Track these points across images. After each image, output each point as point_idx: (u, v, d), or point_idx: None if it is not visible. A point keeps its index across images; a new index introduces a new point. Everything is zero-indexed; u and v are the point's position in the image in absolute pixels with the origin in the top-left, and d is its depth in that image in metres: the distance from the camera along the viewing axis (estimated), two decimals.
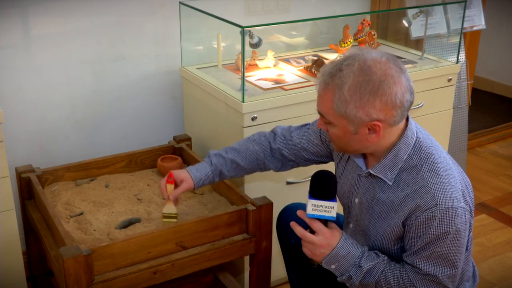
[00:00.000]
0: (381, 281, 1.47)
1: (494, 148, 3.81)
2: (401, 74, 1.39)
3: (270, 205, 1.84)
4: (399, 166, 1.47)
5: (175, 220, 1.81)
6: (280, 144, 1.80)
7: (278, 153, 1.81)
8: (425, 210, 1.40)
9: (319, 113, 1.49)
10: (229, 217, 1.81)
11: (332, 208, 1.44)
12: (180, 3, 2.39)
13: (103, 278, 1.62)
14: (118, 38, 2.39)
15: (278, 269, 2.21)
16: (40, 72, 2.28)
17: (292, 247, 1.85)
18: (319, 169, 1.49)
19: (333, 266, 1.48)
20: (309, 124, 1.81)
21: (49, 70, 2.29)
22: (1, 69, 2.20)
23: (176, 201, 1.80)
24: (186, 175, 1.78)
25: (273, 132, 1.84)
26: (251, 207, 1.82)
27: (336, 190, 1.47)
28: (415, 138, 1.48)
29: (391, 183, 1.48)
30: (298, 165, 1.84)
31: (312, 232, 1.48)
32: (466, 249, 1.53)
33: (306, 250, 1.50)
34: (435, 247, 1.41)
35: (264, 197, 1.87)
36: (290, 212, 1.84)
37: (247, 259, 2.02)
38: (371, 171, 1.50)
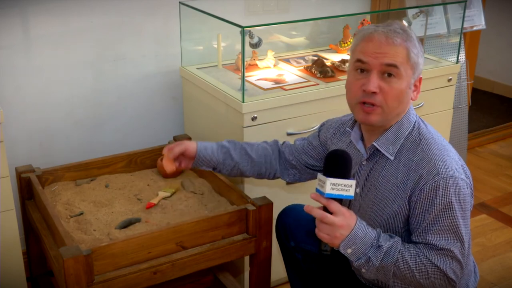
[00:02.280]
0: (399, 262, 1.43)
1: (494, 148, 3.81)
2: None
3: (270, 205, 1.84)
4: (401, 142, 1.52)
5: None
6: (286, 149, 1.86)
7: (283, 156, 1.86)
8: (428, 180, 1.43)
9: (389, 65, 1.47)
10: (229, 217, 1.81)
11: (350, 187, 1.39)
12: (180, 3, 2.39)
13: (103, 278, 1.62)
14: (118, 38, 2.39)
15: (278, 269, 2.21)
16: (40, 72, 2.28)
17: (292, 250, 1.85)
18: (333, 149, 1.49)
19: (349, 250, 1.43)
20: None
21: (49, 70, 2.29)
22: (1, 69, 2.20)
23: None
24: (191, 141, 1.83)
25: (283, 142, 1.92)
26: (251, 207, 1.82)
27: (351, 169, 1.45)
28: (416, 119, 1.57)
29: (392, 158, 1.52)
30: (300, 174, 1.85)
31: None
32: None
33: (322, 234, 1.42)
34: (444, 219, 1.43)
35: (264, 197, 1.87)
36: (289, 214, 1.84)
37: (247, 259, 2.02)
38: (374, 143, 1.54)
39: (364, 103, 1.50)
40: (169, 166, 1.80)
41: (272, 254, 1.93)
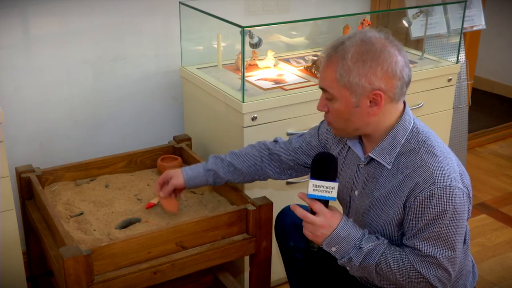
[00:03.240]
0: (381, 263, 1.47)
1: (494, 148, 3.81)
2: (401, 51, 1.48)
3: (270, 205, 1.85)
4: (397, 150, 1.50)
5: None
6: (280, 150, 1.83)
7: (277, 158, 1.83)
8: (424, 189, 1.42)
9: (322, 89, 1.52)
10: (229, 217, 1.81)
11: (332, 189, 1.45)
12: (180, 3, 2.39)
13: (103, 278, 1.62)
14: (118, 38, 2.39)
15: (278, 269, 2.21)
16: (40, 72, 2.28)
17: (291, 250, 1.85)
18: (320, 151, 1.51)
19: (333, 249, 1.48)
20: (306, 131, 1.85)
21: (49, 70, 2.29)
22: (1, 69, 2.20)
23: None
24: (178, 172, 1.83)
25: (275, 140, 1.88)
26: (251, 207, 1.82)
27: (337, 171, 1.48)
28: (412, 123, 1.52)
29: (389, 167, 1.51)
30: (296, 172, 1.85)
31: (313, 213, 1.48)
32: (464, 242, 1.54)
33: (306, 231, 1.50)
34: (434, 227, 1.42)
35: (264, 197, 1.87)
36: (288, 214, 1.84)
37: (247, 259, 2.03)
38: (370, 154, 1.53)
39: None
40: (170, 206, 1.86)
41: (272, 254, 1.93)
